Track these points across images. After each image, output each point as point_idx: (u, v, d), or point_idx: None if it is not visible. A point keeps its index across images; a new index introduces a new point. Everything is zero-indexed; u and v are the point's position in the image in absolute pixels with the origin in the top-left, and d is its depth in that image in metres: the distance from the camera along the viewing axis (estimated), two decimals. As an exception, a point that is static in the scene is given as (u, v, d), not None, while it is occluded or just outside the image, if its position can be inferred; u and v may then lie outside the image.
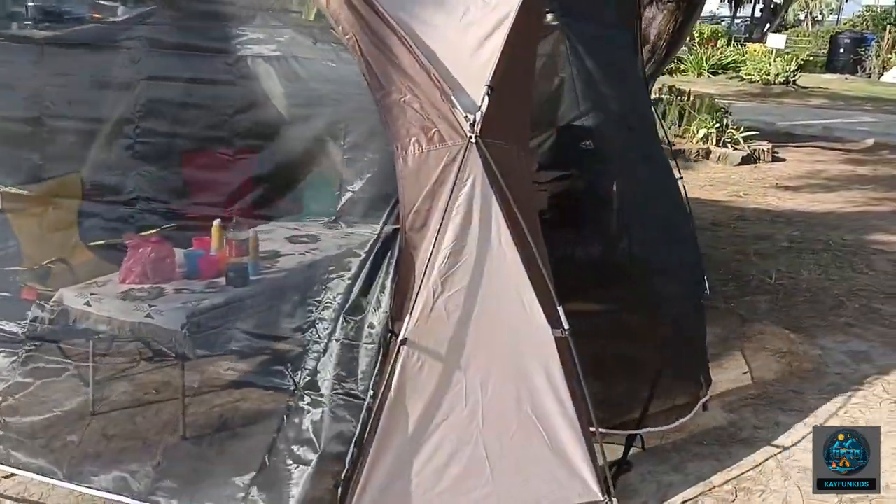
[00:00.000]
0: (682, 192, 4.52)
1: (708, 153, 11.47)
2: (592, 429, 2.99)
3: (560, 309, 2.90)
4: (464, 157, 2.81)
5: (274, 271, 3.72)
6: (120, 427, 3.68)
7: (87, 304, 3.55)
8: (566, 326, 2.90)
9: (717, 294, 5.85)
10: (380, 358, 2.84)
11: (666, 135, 11.15)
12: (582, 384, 2.98)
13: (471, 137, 2.79)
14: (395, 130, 2.85)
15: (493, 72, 2.83)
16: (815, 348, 5.19)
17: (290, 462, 2.89)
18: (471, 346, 2.91)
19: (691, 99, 12.36)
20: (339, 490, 2.83)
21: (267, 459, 2.88)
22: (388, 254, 2.89)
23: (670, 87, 12.94)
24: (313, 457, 2.86)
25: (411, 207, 2.85)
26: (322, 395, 2.85)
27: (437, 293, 2.85)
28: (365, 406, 2.82)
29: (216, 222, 3.63)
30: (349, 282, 2.94)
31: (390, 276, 2.85)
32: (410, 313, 2.83)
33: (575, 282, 3.29)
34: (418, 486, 2.93)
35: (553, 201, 4.29)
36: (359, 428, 2.80)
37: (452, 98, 2.79)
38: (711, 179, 10.49)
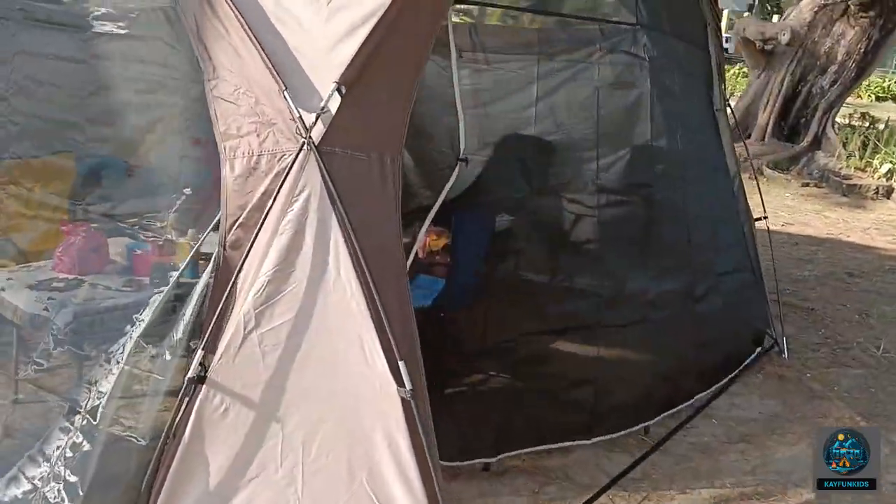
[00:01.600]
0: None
1: (889, 192, 9.95)
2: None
3: (402, 365, 2.38)
4: (300, 166, 2.36)
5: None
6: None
7: (2, 289, 3.25)
8: (408, 387, 2.38)
9: (796, 358, 5.09)
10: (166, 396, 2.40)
11: (843, 167, 10.35)
12: (432, 459, 2.46)
13: (304, 143, 2.34)
14: (224, 128, 2.42)
15: (346, 68, 2.38)
16: (884, 444, 4.10)
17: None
18: (292, 394, 2.43)
19: (879, 127, 10.99)
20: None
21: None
22: (206, 272, 2.46)
23: (863, 114, 11.66)
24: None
25: (234, 221, 2.40)
26: (97, 427, 2.42)
27: (248, 326, 2.38)
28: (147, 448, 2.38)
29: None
30: (157, 300, 2.52)
31: (194, 301, 2.42)
32: (217, 348, 2.38)
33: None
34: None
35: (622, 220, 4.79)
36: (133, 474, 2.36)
37: (286, 95, 2.34)
38: (880, 223, 9.12)
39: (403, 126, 2.53)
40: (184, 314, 2.45)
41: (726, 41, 12.45)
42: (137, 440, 2.38)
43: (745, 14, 25.08)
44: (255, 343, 2.39)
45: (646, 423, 3.93)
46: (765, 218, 5.49)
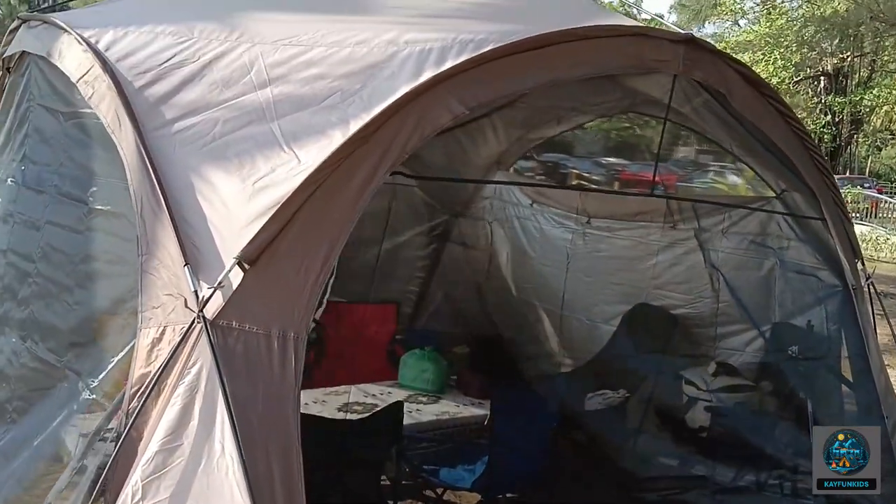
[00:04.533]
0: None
1: None
2: None
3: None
4: (194, 339, 2.45)
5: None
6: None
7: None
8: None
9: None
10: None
11: None
12: None
13: (196, 318, 2.43)
14: (145, 299, 2.59)
15: (246, 244, 2.47)
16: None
17: None
18: (170, 575, 2.42)
19: None
20: None
21: None
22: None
23: None
24: None
25: (137, 389, 2.52)
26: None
27: (136, 497, 2.42)
28: None
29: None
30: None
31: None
32: (111, 515, 2.45)
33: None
34: None
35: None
36: None
37: (186, 270, 2.47)
38: None
39: (311, 304, 2.55)
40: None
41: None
42: None
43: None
44: (139, 516, 2.43)
45: None
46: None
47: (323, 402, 4.51)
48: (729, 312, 5.12)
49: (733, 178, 5.65)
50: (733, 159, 4.94)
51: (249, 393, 2.43)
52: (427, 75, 2.81)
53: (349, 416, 4.21)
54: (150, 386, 2.48)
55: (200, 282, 2.49)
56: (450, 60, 2.86)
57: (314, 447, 2.83)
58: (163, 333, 2.53)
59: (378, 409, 4.30)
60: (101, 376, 2.72)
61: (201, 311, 2.43)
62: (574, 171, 9.37)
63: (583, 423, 5.01)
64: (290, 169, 2.66)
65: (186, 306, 2.48)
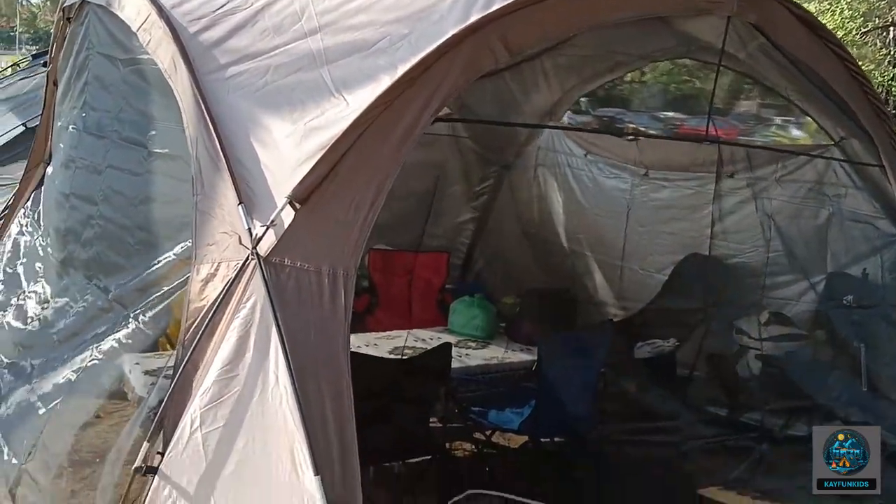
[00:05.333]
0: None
1: None
2: None
3: (316, 480, 2.41)
4: (248, 275, 2.57)
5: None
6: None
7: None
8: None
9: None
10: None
11: None
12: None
13: (250, 255, 2.55)
14: (199, 237, 2.72)
15: (297, 184, 2.57)
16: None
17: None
18: (228, 499, 2.55)
19: None
20: None
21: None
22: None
23: None
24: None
25: (192, 322, 2.66)
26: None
27: (195, 424, 2.58)
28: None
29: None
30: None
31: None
32: (169, 440, 2.61)
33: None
34: None
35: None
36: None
37: (240, 209, 2.59)
38: None
39: (360, 242, 2.65)
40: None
41: None
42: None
43: None
44: (199, 442, 2.57)
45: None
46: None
47: (375, 346, 4.64)
48: (782, 262, 5.10)
49: (795, 132, 5.59)
50: (797, 113, 4.89)
51: (301, 327, 2.54)
52: (474, 18, 2.86)
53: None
54: (206, 320, 2.62)
55: (254, 220, 2.61)
56: (497, 3, 2.90)
57: (365, 383, 2.98)
58: (217, 269, 2.66)
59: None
60: (156, 310, 2.87)
61: (255, 248, 2.55)
62: (630, 125, 9.28)
63: (631, 371, 5.07)
64: (339, 112, 2.74)
65: (240, 243, 2.60)
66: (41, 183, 4.78)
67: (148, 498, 2.59)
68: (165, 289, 2.90)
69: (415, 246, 6.17)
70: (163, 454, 2.59)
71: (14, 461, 3.24)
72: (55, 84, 4.61)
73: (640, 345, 5.31)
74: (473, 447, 4.41)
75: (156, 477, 2.59)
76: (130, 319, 2.96)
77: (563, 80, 6.10)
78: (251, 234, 2.56)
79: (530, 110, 6.37)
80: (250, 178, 2.69)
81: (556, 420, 4.03)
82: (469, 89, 6.40)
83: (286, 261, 2.57)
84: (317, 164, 2.59)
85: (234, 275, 2.58)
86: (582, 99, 6.67)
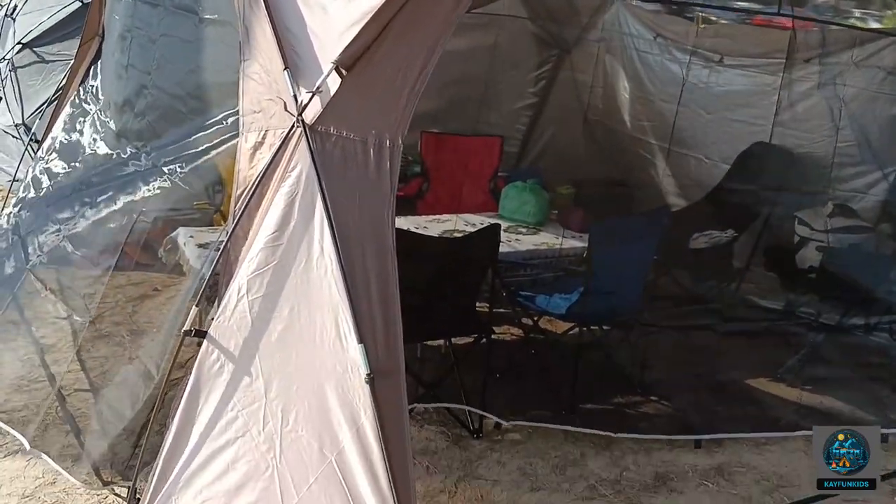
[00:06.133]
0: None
1: None
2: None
3: (360, 348, 2.46)
4: (294, 143, 2.56)
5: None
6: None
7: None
8: (365, 371, 2.45)
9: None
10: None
11: None
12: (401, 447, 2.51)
13: (295, 122, 2.53)
14: (247, 103, 2.71)
15: (343, 49, 2.52)
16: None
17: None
18: (273, 364, 2.62)
19: None
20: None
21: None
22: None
23: None
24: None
25: (241, 190, 2.68)
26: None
27: (241, 291, 2.62)
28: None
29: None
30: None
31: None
32: (218, 306, 2.67)
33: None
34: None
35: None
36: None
37: (286, 74, 2.55)
38: None
39: (407, 112, 2.60)
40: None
41: None
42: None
43: None
44: (246, 308, 2.63)
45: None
46: None
47: (425, 228, 4.64)
48: (852, 152, 4.91)
49: (874, 25, 5.26)
50: (877, 5, 4.60)
51: (346, 197, 2.54)
52: None
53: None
54: (253, 188, 2.63)
55: (300, 87, 2.58)
56: None
57: (414, 262, 2.98)
58: (264, 137, 2.66)
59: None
60: (194, 164, 2.90)
61: (300, 115, 2.53)
62: (702, 14, 8.87)
63: (686, 261, 5.01)
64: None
65: (286, 110, 2.58)
66: (97, 56, 4.81)
67: (196, 361, 2.69)
68: (211, 152, 2.91)
69: (469, 132, 6.10)
70: (212, 319, 2.68)
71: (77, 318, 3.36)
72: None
73: (696, 235, 5.23)
74: (520, 331, 4.45)
75: (204, 341, 2.67)
76: (165, 173, 3.00)
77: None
78: (297, 101, 2.54)
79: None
80: (296, 42, 2.64)
81: (603, 307, 4.02)
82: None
83: (332, 129, 2.55)
84: (364, 27, 2.52)
85: (279, 143, 2.58)
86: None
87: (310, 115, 2.55)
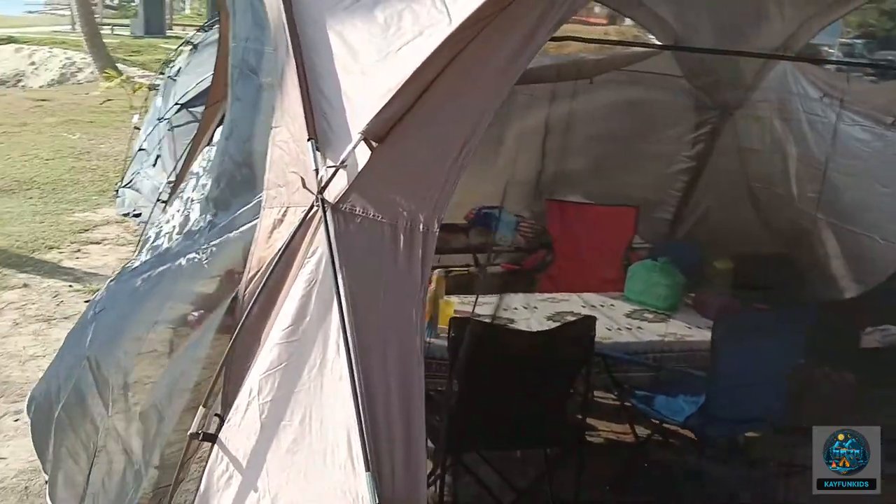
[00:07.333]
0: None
1: None
2: None
3: (367, 477, 2.05)
4: (314, 224, 2.22)
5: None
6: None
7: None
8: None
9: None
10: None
11: None
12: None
13: (315, 201, 2.19)
14: (271, 176, 2.41)
15: (376, 114, 2.16)
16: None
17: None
18: (280, 481, 2.26)
19: None
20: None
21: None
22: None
23: None
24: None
25: (254, 273, 2.37)
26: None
27: (252, 392, 2.30)
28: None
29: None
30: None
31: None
32: (231, 407, 2.35)
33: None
34: None
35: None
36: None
37: (310, 145, 2.22)
38: None
39: (447, 191, 2.19)
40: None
41: None
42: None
43: None
44: (256, 412, 2.30)
45: None
46: None
47: (534, 309, 4.19)
48: None
49: None
50: None
51: (369, 289, 2.17)
52: None
53: (542, 328, 3.84)
54: (268, 273, 2.31)
55: (326, 159, 2.25)
56: None
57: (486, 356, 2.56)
58: (284, 215, 2.35)
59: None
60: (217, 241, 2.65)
61: (321, 192, 2.19)
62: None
63: (852, 362, 4.24)
64: (438, 30, 2.29)
65: (305, 186, 2.25)
66: (221, 121, 4.78)
67: (206, 468, 2.38)
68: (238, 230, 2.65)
69: (613, 197, 5.61)
70: (222, 419, 2.36)
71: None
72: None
73: (869, 330, 4.45)
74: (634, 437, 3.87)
75: (214, 446, 2.36)
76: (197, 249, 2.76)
77: (801, 8, 5.20)
78: (317, 176, 2.21)
79: (758, 43, 5.52)
80: (330, 109, 2.32)
81: (729, 417, 3.39)
82: (683, 18, 5.71)
83: (357, 209, 2.19)
84: (398, 91, 2.16)
85: (298, 223, 2.26)
86: (856, 41, 5.71)
87: (334, 192, 2.20)
